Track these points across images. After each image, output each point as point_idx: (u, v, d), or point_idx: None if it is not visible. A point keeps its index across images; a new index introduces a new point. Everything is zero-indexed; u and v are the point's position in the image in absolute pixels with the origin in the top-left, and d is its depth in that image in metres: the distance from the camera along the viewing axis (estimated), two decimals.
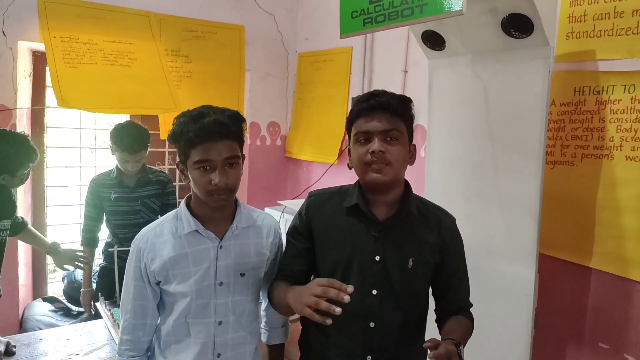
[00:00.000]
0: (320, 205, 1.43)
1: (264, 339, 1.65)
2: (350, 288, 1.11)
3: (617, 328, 1.78)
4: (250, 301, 1.48)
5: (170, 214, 1.45)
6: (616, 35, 1.73)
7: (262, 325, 1.64)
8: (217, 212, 1.40)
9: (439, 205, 1.47)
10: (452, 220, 1.45)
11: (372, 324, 1.36)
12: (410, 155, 1.37)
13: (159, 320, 1.46)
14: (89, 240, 2.71)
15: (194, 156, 1.30)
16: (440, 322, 1.46)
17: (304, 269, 1.42)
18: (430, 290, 1.47)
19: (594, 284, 1.85)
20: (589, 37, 1.81)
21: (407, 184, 1.41)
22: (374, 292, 1.35)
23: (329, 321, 1.10)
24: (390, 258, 1.35)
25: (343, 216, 1.39)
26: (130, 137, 2.50)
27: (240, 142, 1.37)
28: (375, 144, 1.28)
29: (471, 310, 1.47)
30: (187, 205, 1.42)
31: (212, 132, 1.29)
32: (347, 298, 1.10)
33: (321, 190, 1.49)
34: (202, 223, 1.39)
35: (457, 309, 1.45)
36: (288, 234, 1.47)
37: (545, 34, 1.63)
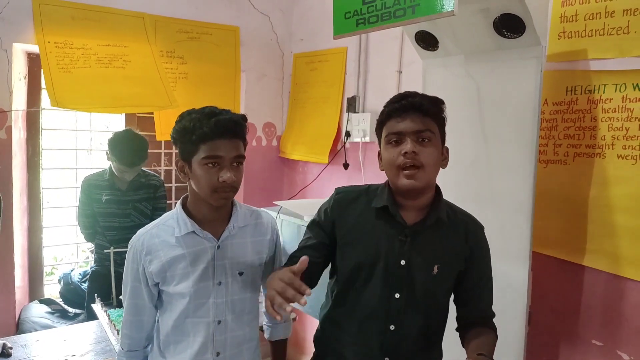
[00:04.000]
0: (348, 204, 1.40)
1: (266, 335, 1.67)
2: (308, 291, 1.11)
3: (610, 325, 1.79)
4: (250, 299, 1.49)
5: (167, 215, 1.46)
6: (607, 34, 1.74)
7: (265, 321, 1.66)
8: (215, 212, 1.41)
9: (468, 212, 1.44)
10: (480, 228, 1.42)
11: (392, 327, 1.34)
12: (443, 158, 1.34)
13: (159, 320, 1.47)
14: (92, 235, 2.74)
15: (203, 152, 1.31)
16: (462, 331, 1.41)
17: (317, 260, 1.37)
18: (452, 298, 1.44)
19: (587, 282, 1.86)
20: (581, 36, 1.82)
21: (437, 189, 1.38)
22: (397, 295, 1.33)
23: (279, 317, 1.13)
24: (416, 263, 1.33)
25: (370, 217, 1.36)
26: (131, 152, 2.51)
27: (245, 144, 1.40)
28: (408, 145, 1.25)
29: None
30: (183, 206, 1.43)
31: (227, 129, 1.32)
32: (303, 301, 1.10)
33: (349, 188, 1.45)
34: (198, 224, 1.40)
35: (479, 318, 1.41)
36: (308, 226, 1.45)
37: (536, 33, 1.64)
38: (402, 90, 2.61)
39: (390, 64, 2.71)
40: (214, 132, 1.29)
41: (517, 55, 1.73)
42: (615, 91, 1.74)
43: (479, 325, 1.38)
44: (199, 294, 1.39)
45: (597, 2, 1.76)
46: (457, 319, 1.44)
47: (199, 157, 1.31)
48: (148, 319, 1.45)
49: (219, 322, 1.42)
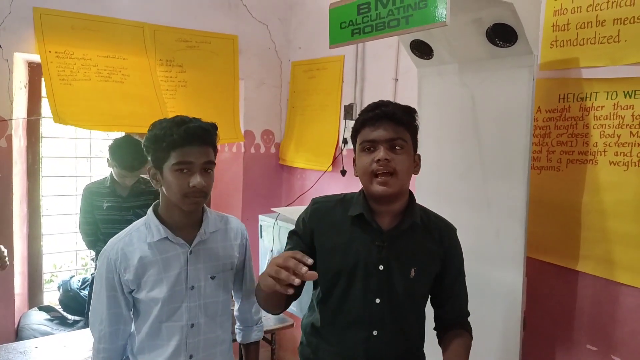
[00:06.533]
0: (325, 213, 1.43)
1: (238, 338, 1.70)
2: (309, 261, 1.11)
3: (604, 330, 1.81)
4: (222, 302, 1.52)
5: (138, 222, 1.49)
6: (598, 43, 1.77)
7: (237, 325, 1.68)
8: (187, 217, 1.45)
9: (441, 215, 1.49)
10: (453, 230, 1.48)
11: (375, 332, 1.36)
12: (415, 165, 1.39)
13: (133, 326, 1.50)
14: (93, 243, 2.76)
15: (173, 158, 1.35)
16: (439, 332, 1.48)
17: None
18: (429, 300, 1.49)
19: (581, 287, 1.88)
20: (573, 45, 1.85)
21: (411, 194, 1.42)
22: (377, 300, 1.36)
23: (290, 291, 1.11)
24: (394, 268, 1.36)
25: (347, 224, 1.39)
26: (132, 156, 2.55)
27: (216, 151, 1.44)
28: (381, 152, 1.30)
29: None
30: (155, 212, 1.46)
31: (196, 136, 1.36)
32: (304, 269, 1.09)
33: (325, 198, 1.49)
34: (171, 230, 1.43)
35: (455, 318, 1.48)
36: (288, 237, 1.48)
37: (528, 42, 1.67)
38: (399, 98, 2.67)
39: (386, 71, 2.74)
40: (183, 139, 1.34)
41: (510, 63, 1.76)
42: (607, 99, 1.77)
43: (455, 326, 1.45)
44: (172, 299, 1.42)
45: (588, 11, 1.79)
46: (435, 319, 1.51)
47: (170, 163, 1.36)
48: (125, 327, 1.47)
49: (192, 325, 1.45)
